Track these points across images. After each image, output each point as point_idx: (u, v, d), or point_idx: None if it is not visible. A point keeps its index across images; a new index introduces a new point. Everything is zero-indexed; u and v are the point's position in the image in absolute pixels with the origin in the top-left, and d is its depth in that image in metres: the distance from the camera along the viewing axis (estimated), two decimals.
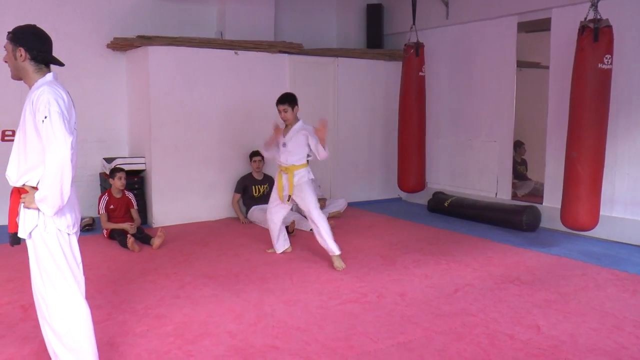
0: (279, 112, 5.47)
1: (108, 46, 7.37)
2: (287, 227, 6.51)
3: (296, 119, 5.47)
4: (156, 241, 5.96)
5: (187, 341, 3.63)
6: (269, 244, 5.95)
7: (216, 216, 7.49)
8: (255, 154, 7.38)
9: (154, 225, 6.96)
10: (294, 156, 5.42)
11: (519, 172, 8.55)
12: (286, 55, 7.87)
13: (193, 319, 3.99)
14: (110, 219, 6.28)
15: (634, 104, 6.24)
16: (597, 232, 6.12)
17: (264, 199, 7.14)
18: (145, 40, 6.98)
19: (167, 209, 7.13)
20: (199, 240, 6.34)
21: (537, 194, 7.83)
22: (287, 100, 5.44)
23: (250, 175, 7.43)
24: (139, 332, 3.77)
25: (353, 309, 4.22)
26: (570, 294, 4.60)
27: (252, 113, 7.60)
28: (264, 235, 6.52)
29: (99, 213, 6.34)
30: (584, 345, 3.61)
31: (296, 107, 5.47)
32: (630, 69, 6.19)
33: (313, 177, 5.55)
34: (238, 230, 6.88)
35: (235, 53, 7.47)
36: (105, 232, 6.31)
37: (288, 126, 5.50)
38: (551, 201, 6.92)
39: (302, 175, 5.41)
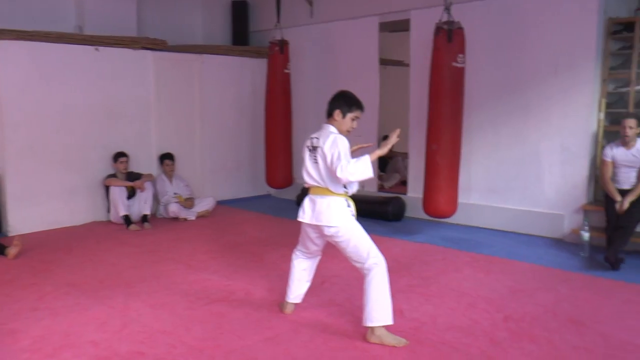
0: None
1: None
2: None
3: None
4: (12, 251, 5.55)
5: (46, 355, 3.43)
6: (136, 246, 5.77)
7: (80, 221, 7.10)
8: (120, 154, 7.10)
9: (11, 234, 6.49)
10: None
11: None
12: (149, 51, 7.61)
13: (53, 331, 3.78)
14: None
15: (484, 99, 6.69)
16: (457, 218, 6.54)
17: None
18: None
19: (24, 215, 6.66)
20: (62, 247, 5.99)
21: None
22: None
23: (114, 176, 7.13)
24: None
25: (221, 309, 4.19)
26: (431, 277, 4.88)
27: (114, 112, 7.30)
28: (131, 238, 6.34)
29: None
30: (442, 324, 3.85)
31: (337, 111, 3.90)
32: (481, 67, 6.63)
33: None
34: (103, 235, 6.58)
35: (96, 49, 7.12)
36: None
37: None
38: (415, 191, 7.27)
39: None
